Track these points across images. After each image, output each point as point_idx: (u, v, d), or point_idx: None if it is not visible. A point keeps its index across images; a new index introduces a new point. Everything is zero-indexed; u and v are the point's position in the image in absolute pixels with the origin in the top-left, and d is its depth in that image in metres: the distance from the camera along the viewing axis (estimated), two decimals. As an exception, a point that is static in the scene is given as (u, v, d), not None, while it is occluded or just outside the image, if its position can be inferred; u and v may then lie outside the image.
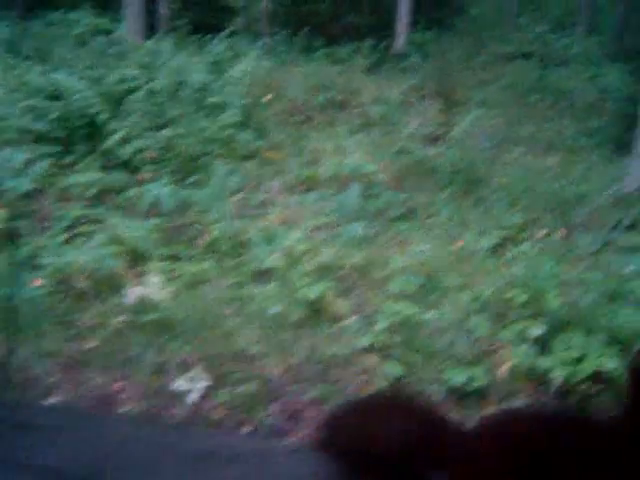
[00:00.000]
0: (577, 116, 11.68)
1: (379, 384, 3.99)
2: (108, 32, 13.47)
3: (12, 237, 5.40)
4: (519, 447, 1.15)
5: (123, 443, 1.36)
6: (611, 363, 4.13)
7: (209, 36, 13.64)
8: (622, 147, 9.04)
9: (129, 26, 12.98)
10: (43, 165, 6.58)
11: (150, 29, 14.86)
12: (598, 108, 11.95)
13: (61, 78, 8.00)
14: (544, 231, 6.17)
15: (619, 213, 6.57)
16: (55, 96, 7.86)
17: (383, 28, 19.03)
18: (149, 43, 10.60)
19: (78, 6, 17.84)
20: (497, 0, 31.32)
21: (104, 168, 7.22)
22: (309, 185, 7.18)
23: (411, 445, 1.21)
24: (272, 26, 20.25)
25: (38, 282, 4.87)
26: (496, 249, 5.76)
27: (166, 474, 1.03)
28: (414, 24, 19.81)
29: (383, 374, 4.09)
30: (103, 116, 7.67)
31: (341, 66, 14.32)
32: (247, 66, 9.38)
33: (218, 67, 9.73)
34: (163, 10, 17.57)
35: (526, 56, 19.54)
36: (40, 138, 7.27)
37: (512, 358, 4.20)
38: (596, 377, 4.14)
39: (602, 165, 8.47)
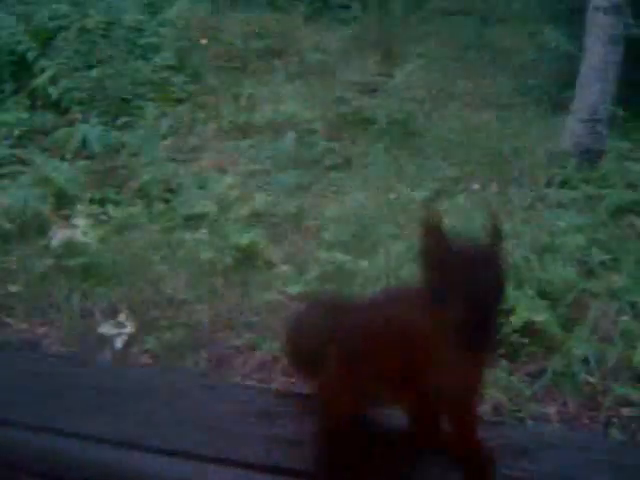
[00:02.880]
0: (514, 74, 11.78)
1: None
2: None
3: None
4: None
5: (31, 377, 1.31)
6: (541, 315, 4.21)
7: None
8: (557, 105, 9.16)
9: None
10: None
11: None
12: (535, 66, 12.06)
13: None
14: (478, 185, 6.22)
15: (553, 169, 6.65)
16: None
17: (324, -23, 18.88)
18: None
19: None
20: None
21: (32, 107, 7.10)
22: (243, 131, 7.10)
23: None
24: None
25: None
26: (430, 201, 5.78)
27: (70, 406, 0.99)
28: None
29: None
30: (32, 53, 7.44)
31: (281, 14, 14.22)
32: (183, 7, 9.21)
33: (153, 7, 9.53)
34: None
35: (466, 12, 19.65)
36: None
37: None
38: (527, 328, 4.22)
39: (537, 122, 8.55)
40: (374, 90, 8.77)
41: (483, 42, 14.67)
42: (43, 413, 1.27)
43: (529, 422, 3.62)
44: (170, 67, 7.97)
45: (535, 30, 15.36)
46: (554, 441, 1.34)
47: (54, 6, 8.16)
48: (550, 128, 8.10)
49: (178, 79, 7.88)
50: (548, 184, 6.40)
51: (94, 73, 7.21)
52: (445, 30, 15.99)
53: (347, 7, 16.39)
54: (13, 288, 4.45)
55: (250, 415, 1.39)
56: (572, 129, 7.06)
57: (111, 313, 4.18)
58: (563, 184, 6.40)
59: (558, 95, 9.70)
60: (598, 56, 6.82)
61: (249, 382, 3.67)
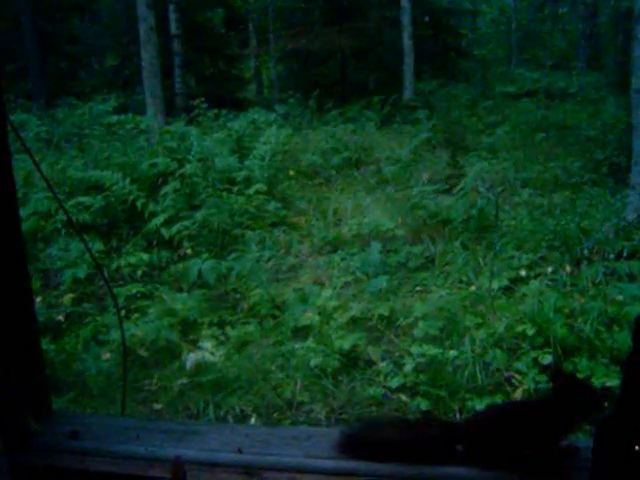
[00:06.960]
0: (582, 151, 12.11)
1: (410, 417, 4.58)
2: (132, 113, 14.35)
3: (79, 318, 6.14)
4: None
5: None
6: (614, 380, 4.70)
7: (224, 111, 14.56)
8: (624, 178, 9.53)
9: (150, 106, 13.71)
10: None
11: (169, 105, 15.67)
12: (601, 141, 12.34)
13: (99, 173, 8.73)
14: (551, 268, 6.69)
15: (620, 242, 7.06)
16: (96, 187, 8.61)
17: (390, 81, 19.77)
18: (173, 127, 11.36)
19: (98, 91, 18.84)
20: (500, 39, 32.26)
21: (147, 247, 7.95)
22: (334, 245, 7.83)
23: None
24: (283, 91, 21.13)
25: (106, 356, 5.55)
26: (507, 289, 6.34)
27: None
28: (420, 73, 20.49)
29: (413, 409, 4.69)
30: (140, 201, 8.42)
31: (353, 124, 15.03)
32: (267, 140, 10.08)
33: (240, 144, 10.46)
34: (179, 88, 18.55)
35: (530, 94, 20.11)
36: (86, 227, 7.98)
37: (526, 384, 4.79)
38: (603, 394, 4.72)
39: (605, 198, 8.91)
40: (447, 190, 9.36)
41: (548, 123, 15.10)
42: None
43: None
44: (262, 196, 8.80)
45: (597, 107, 15.81)
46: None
47: (154, 159, 9.16)
48: (617, 202, 8.50)
49: (270, 205, 8.70)
50: (617, 257, 6.84)
51: (198, 215, 8.04)
52: (512, 115, 16.48)
53: (415, 108, 17.18)
54: (157, 406, 5.19)
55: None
56: (633, 202, 7.50)
57: (242, 418, 4.86)
58: (631, 256, 6.83)
59: (623, 168, 10.09)
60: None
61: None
